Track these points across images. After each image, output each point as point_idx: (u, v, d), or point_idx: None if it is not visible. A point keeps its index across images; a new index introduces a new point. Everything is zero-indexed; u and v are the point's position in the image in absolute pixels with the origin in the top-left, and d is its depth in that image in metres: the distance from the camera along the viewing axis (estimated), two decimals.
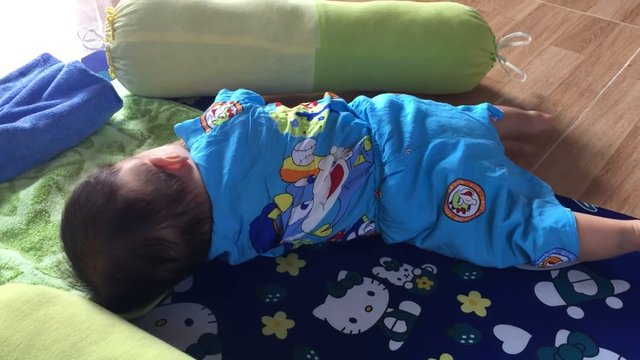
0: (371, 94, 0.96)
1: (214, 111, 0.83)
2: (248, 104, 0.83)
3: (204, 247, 0.77)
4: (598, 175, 1.02)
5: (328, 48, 1.08)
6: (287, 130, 0.81)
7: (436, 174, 0.82)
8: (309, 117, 0.84)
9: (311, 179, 0.80)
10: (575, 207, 0.91)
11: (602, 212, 0.93)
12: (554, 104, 1.17)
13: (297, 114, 0.84)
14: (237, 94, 0.86)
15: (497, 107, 0.96)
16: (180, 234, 0.73)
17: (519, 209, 0.82)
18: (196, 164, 0.78)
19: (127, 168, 0.75)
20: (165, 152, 0.80)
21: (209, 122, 0.81)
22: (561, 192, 0.96)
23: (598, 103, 1.18)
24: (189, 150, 0.82)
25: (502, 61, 1.16)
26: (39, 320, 0.61)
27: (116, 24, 1.05)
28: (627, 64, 1.28)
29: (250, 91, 0.88)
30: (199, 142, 0.80)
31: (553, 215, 0.82)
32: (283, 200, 0.79)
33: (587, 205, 0.94)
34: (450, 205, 0.82)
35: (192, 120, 0.83)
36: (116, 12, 1.06)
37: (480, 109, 0.93)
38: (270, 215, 0.79)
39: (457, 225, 0.82)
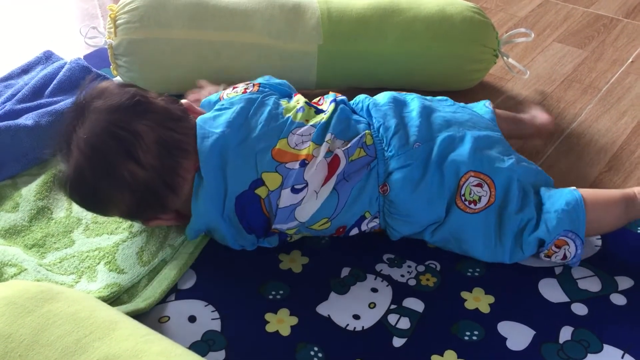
0: (373, 90, 0.95)
1: (234, 87, 0.88)
2: (266, 89, 0.87)
3: (175, 181, 0.79)
4: (601, 171, 1.02)
5: (330, 45, 1.07)
6: (289, 114, 0.83)
7: (448, 166, 0.82)
8: (317, 111, 0.86)
9: (303, 163, 0.80)
10: None
11: None
12: (557, 100, 1.17)
13: (307, 103, 0.86)
14: (275, 82, 0.91)
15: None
16: (156, 142, 0.77)
17: (531, 201, 0.82)
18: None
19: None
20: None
21: (224, 95, 0.86)
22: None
23: (601, 100, 1.17)
24: None
25: (504, 58, 1.16)
26: (42, 316, 0.61)
27: (118, 21, 1.05)
28: (630, 60, 1.28)
29: (289, 84, 0.92)
30: (210, 110, 0.85)
31: (562, 196, 0.82)
32: (271, 179, 0.80)
33: None
34: (463, 198, 0.82)
35: (217, 92, 0.89)
36: (118, 9, 1.06)
37: (480, 104, 0.94)
38: (257, 192, 0.80)
39: (468, 216, 0.81)
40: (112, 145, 0.76)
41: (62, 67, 1.04)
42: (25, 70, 1.10)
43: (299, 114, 0.83)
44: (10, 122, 0.94)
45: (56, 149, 0.80)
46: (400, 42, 1.09)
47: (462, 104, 0.94)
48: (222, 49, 1.06)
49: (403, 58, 1.10)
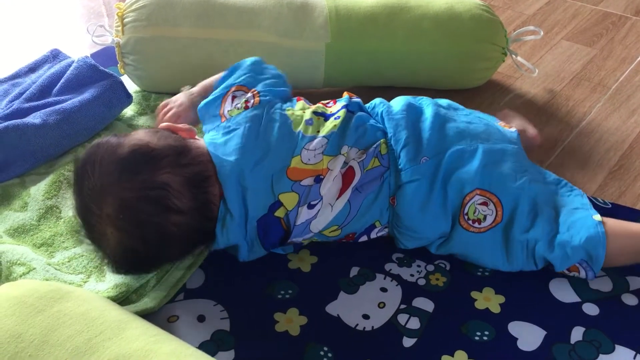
0: (382, 89, 0.95)
1: (233, 97, 0.83)
2: (267, 98, 0.83)
3: (213, 211, 0.77)
4: (612, 170, 1.01)
5: (338, 43, 1.07)
6: (300, 128, 0.81)
7: (452, 184, 0.80)
8: (326, 117, 0.83)
9: (318, 179, 0.79)
10: None
11: (616, 208, 0.92)
12: (566, 98, 1.16)
13: (315, 112, 0.83)
14: (268, 75, 0.87)
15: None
16: (184, 184, 0.74)
17: (541, 224, 0.79)
18: (207, 146, 0.80)
19: (138, 130, 0.80)
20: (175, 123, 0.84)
21: (226, 112, 0.82)
22: None
23: (610, 98, 1.17)
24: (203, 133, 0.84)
25: (513, 56, 1.15)
26: (52, 316, 0.61)
27: (126, 19, 1.05)
28: (639, 58, 1.27)
29: (279, 73, 0.88)
30: (216, 132, 0.81)
31: (584, 229, 0.79)
32: (289, 199, 0.79)
33: (601, 200, 0.94)
34: (466, 217, 0.80)
35: (213, 98, 0.85)
36: (126, 8, 1.06)
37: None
38: (276, 214, 0.79)
39: (472, 236, 0.80)
40: (150, 209, 0.72)
41: (69, 65, 1.04)
42: (33, 69, 1.10)
43: (309, 128, 0.81)
44: (18, 121, 0.93)
45: (83, 238, 0.76)
46: (409, 40, 1.08)
47: (480, 113, 0.91)
48: (229, 47, 1.05)
49: (411, 56, 1.10)
